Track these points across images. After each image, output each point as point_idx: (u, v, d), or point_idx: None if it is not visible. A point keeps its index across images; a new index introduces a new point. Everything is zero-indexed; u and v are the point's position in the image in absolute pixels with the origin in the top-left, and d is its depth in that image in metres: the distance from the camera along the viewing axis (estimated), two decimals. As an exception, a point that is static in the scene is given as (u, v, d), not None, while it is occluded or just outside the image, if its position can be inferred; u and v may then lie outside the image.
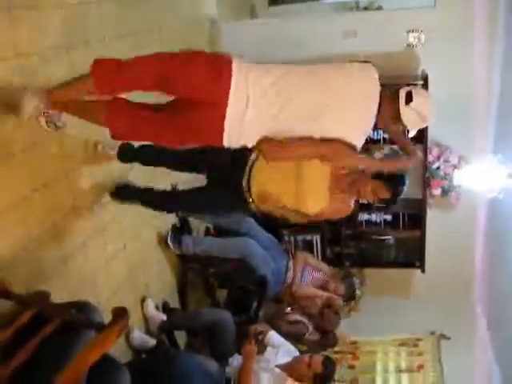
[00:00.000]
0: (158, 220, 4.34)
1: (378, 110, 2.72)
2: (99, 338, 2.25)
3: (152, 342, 3.86)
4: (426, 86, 5.05)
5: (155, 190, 3.73)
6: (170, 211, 4.04)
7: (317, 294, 4.93)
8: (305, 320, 4.87)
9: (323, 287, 5.06)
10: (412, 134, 2.86)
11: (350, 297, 5.18)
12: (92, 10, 3.38)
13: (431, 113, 2.78)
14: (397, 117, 2.73)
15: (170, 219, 4.55)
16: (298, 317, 4.88)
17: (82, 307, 2.60)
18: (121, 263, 3.75)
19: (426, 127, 5.10)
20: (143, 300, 4.06)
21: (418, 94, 2.75)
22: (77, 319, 2.45)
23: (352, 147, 2.70)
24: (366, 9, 5.47)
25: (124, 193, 3.63)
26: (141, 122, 2.78)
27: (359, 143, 2.72)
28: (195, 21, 5.22)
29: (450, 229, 5.57)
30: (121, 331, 2.33)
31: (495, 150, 4.93)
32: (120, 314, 2.39)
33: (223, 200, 3.56)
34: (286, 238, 5.70)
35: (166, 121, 2.74)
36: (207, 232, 5.14)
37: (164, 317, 4.13)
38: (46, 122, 2.85)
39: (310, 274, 5.06)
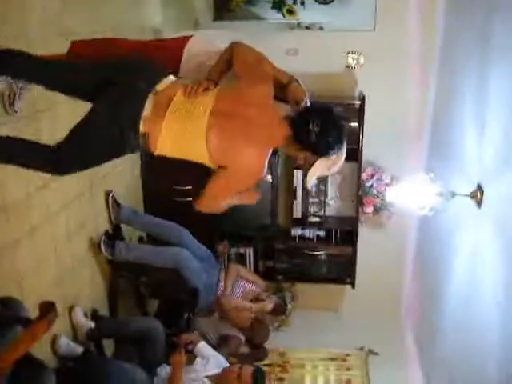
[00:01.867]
0: (89, 226, 4.26)
1: None
2: (26, 333, 2.20)
3: (79, 349, 3.77)
4: (362, 106, 5.20)
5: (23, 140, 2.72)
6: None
7: (245, 306, 4.92)
8: (238, 334, 4.86)
9: (255, 300, 5.06)
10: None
11: (281, 310, 5.21)
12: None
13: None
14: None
15: (102, 224, 4.48)
16: (232, 331, 4.86)
17: (7, 303, 2.53)
18: (50, 267, 3.66)
19: (361, 147, 5.26)
20: (72, 307, 3.96)
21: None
22: (2, 314, 2.38)
23: None
24: (307, 28, 5.57)
25: None
26: None
27: None
28: (140, 30, 5.20)
29: (381, 246, 5.70)
30: (49, 326, 2.28)
31: (427, 168, 5.10)
32: (47, 308, 2.34)
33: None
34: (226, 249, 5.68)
35: None
36: (140, 241, 5.09)
37: (92, 324, 4.04)
38: None
39: (241, 287, 5.06)
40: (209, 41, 3.03)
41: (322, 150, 2.59)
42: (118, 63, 2.62)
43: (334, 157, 2.67)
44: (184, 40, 3.01)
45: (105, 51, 2.95)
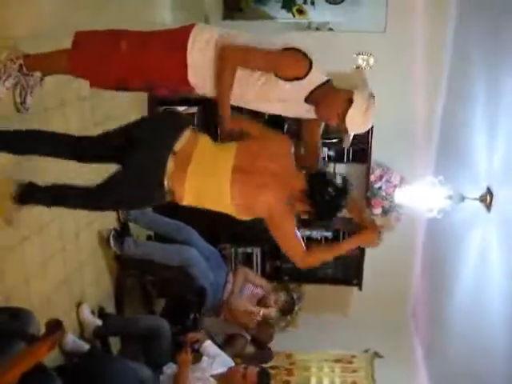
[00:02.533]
0: (98, 223, 4.27)
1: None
2: (27, 351, 2.17)
3: (85, 346, 3.77)
4: (372, 107, 5.17)
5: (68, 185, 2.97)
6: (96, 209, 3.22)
7: (253, 310, 4.92)
8: (244, 334, 4.86)
9: (261, 303, 5.05)
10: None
11: (289, 310, 5.20)
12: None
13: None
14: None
15: (110, 223, 4.49)
16: (237, 331, 4.86)
17: (18, 315, 2.50)
18: (58, 265, 3.66)
19: (370, 148, 5.24)
20: (79, 304, 3.97)
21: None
22: (8, 327, 2.35)
23: None
24: (317, 29, 5.57)
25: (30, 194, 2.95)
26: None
27: None
28: (149, 25, 5.20)
29: (389, 248, 5.63)
30: (53, 345, 2.25)
31: (436, 171, 5.08)
32: (53, 327, 2.32)
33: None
34: (227, 251, 5.68)
35: None
36: (149, 239, 5.10)
37: (99, 322, 4.05)
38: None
39: (248, 290, 5.05)
40: (209, 31, 2.96)
41: (325, 214, 2.85)
42: (137, 128, 2.83)
43: (365, 103, 2.79)
44: (184, 34, 2.92)
45: (107, 50, 2.93)
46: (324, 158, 5.38)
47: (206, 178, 2.68)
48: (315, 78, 2.85)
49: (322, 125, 3.10)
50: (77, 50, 2.93)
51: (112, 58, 2.90)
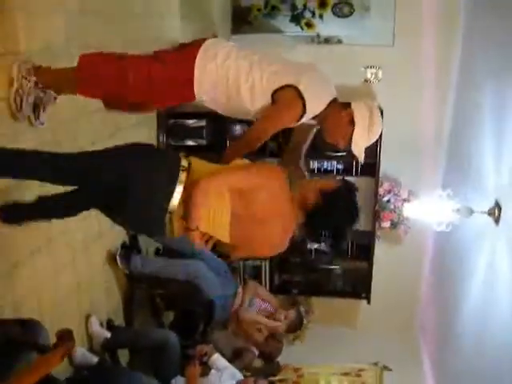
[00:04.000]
0: (107, 236, 4.29)
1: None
2: (40, 361, 2.19)
3: (94, 359, 3.78)
4: (380, 121, 5.19)
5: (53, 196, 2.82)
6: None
7: (261, 321, 4.92)
8: (252, 348, 4.86)
9: (270, 318, 5.04)
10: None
11: (298, 326, 5.19)
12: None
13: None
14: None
15: (120, 236, 4.51)
16: (245, 345, 4.86)
17: (29, 326, 2.52)
18: (68, 277, 3.69)
19: (379, 161, 5.24)
20: (88, 316, 3.99)
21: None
22: (20, 338, 2.37)
23: None
24: (326, 41, 5.59)
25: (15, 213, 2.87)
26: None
27: None
28: (158, 42, 5.24)
29: (397, 261, 5.67)
30: (65, 355, 2.28)
31: (445, 184, 5.08)
32: (64, 336, 2.33)
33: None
34: (236, 264, 5.68)
35: None
36: (157, 253, 5.11)
37: (108, 334, 4.06)
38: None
39: (257, 304, 5.05)
40: (213, 55, 2.92)
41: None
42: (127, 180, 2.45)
43: (366, 120, 2.81)
44: (189, 62, 2.90)
45: (115, 86, 2.94)
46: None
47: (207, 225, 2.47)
48: (314, 109, 2.86)
49: (314, 131, 3.11)
50: (84, 82, 2.94)
51: (121, 92, 2.93)
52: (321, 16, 5.61)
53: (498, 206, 3.88)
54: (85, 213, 3.76)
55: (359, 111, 2.85)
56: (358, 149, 2.89)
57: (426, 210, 4.55)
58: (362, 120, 2.83)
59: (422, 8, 5.27)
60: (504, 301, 3.73)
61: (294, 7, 5.59)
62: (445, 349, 5.12)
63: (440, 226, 4.29)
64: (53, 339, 2.49)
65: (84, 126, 3.75)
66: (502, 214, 3.85)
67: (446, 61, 5.27)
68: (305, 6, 5.59)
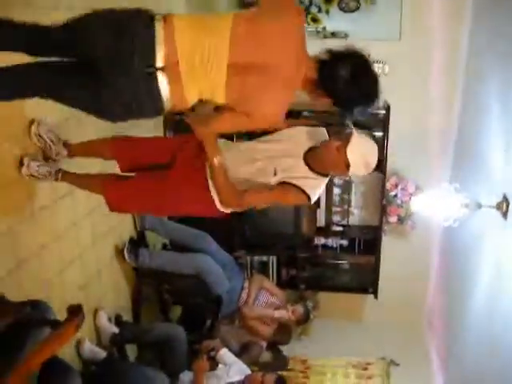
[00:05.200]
0: (115, 231, 4.31)
1: None
2: (56, 334, 2.24)
3: (102, 354, 3.80)
4: (387, 116, 5.18)
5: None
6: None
7: (267, 314, 4.92)
8: (260, 341, 4.87)
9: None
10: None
11: (304, 321, 5.20)
12: None
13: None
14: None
15: (127, 231, 4.53)
16: (253, 339, 4.87)
17: (36, 306, 2.57)
18: (76, 273, 3.70)
19: (386, 156, 5.24)
20: (96, 311, 4.00)
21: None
22: (31, 316, 2.42)
23: None
24: (332, 34, 5.57)
25: None
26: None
27: None
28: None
29: (404, 256, 5.66)
30: (77, 328, 2.33)
31: (452, 179, 5.07)
32: (75, 311, 2.38)
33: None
34: (243, 259, 5.69)
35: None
36: (164, 248, 5.12)
37: (116, 329, 4.08)
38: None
39: (264, 298, 5.05)
40: None
41: (345, 104, 2.43)
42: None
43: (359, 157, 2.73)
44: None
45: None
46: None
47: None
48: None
49: None
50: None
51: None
52: (327, 11, 5.60)
53: (506, 199, 3.87)
54: (92, 208, 3.83)
55: (350, 149, 2.73)
56: (358, 173, 2.89)
57: (434, 204, 4.54)
58: (354, 157, 2.74)
59: (429, 1, 5.25)
60: (512, 295, 3.73)
61: (300, 2, 5.57)
62: (452, 343, 5.12)
63: (447, 220, 4.28)
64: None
65: (94, 122, 3.74)
66: (510, 208, 3.84)
67: (454, 54, 5.25)
68: (311, 1, 5.58)
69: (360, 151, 2.75)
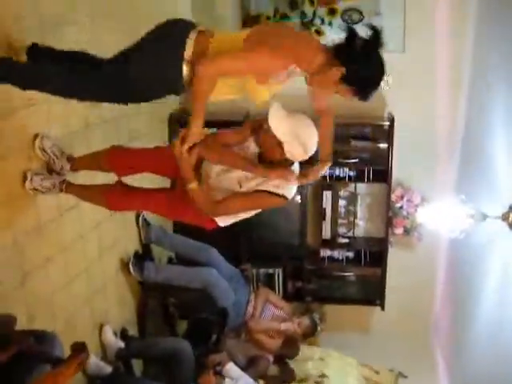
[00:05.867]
0: (120, 245, 4.31)
1: None
2: (55, 373, 2.20)
3: (108, 369, 3.77)
4: (392, 127, 5.18)
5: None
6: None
7: (273, 327, 4.90)
8: (267, 355, 4.83)
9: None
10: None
11: (311, 333, 5.16)
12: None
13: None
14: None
15: (133, 244, 4.52)
16: (260, 352, 4.83)
17: (43, 337, 2.53)
18: (81, 286, 3.70)
19: (391, 167, 5.23)
20: (101, 326, 3.99)
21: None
22: (34, 350, 2.37)
23: None
24: (336, 45, 5.58)
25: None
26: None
27: None
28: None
29: (411, 267, 5.64)
30: (78, 368, 2.28)
31: (458, 190, 5.05)
32: (78, 349, 2.34)
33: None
34: (249, 272, 5.67)
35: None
36: (170, 261, 5.12)
37: (122, 344, 4.06)
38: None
39: (270, 311, 5.04)
40: None
41: (362, 77, 2.50)
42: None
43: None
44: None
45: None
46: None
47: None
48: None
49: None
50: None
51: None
52: (330, 23, 5.59)
53: (511, 210, 3.85)
54: (98, 221, 3.84)
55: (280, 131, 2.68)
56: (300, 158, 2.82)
57: (440, 215, 4.52)
58: (286, 135, 2.69)
59: (432, 13, 5.25)
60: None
61: (303, 15, 5.58)
62: (460, 355, 5.08)
63: (453, 231, 4.26)
64: (67, 352, 2.51)
65: (97, 135, 3.77)
66: (516, 219, 3.82)
67: (458, 65, 5.24)
68: (314, 14, 5.58)
69: (285, 124, 2.67)
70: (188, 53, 2.53)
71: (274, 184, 2.80)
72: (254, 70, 2.51)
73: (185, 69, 2.54)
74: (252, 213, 2.99)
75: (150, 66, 2.58)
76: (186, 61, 2.53)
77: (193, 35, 2.56)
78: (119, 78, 2.62)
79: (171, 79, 2.60)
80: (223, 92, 2.64)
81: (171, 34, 2.60)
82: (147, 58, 2.60)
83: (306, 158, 2.76)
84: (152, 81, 2.60)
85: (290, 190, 2.87)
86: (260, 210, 2.99)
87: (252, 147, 2.90)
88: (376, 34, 2.49)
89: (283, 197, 2.83)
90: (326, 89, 2.60)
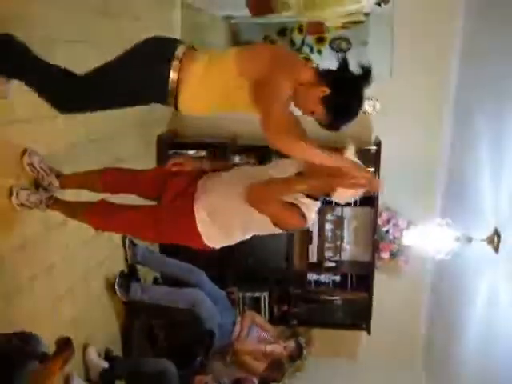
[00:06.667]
0: (106, 265, 4.29)
1: None
2: (43, 368, 2.21)
3: (92, 389, 3.75)
4: (378, 152, 5.24)
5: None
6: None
7: (260, 348, 4.88)
8: (252, 377, 4.80)
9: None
10: None
11: (297, 357, 5.14)
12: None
13: None
14: None
15: (119, 264, 4.51)
16: (245, 374, 4.80)
17: (26, 338, 2.53)
18: (66, 306, 3.67)
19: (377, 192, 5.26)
20: (85, 346, 3.95)
21: None
22: (19, 349, 2.38)
23: None
24: (325, 73, 5.66)
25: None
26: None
27: None
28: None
29: (397, 291, 5.65)
30: (65, 362, 2.28)
31: (443, 213, 5.10)
32: (64, 344, 2.35)
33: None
34: (235, 295, 5.65)
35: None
36: (155, 282, 5.10)
37: (106, 364, 4.02)
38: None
39: (256, 333, 5.02)
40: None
41: (341, 105, 2.62)
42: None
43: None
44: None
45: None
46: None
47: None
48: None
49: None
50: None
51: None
52: (319, 51, 5.67)
53: (497, 233, 3.88)
54: (84, 241, 3.83)
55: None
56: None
57: (426, 238, 4.55)
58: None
59: (420, 41, 5.35)
60: (505, 328, 3.72)
61: (292, 43, 5.66)
62: (448, 378, 5.06)
63: (439, 254, 4.28)
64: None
65: (82, 156, 3.76)
66: (501, 242, 3.85)
67: (444, 91, 5.34)
68: (303, 42, 5.67)
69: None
70: (178, 54, 2.60)
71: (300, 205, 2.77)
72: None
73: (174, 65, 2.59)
74: (257, 231, 2.94)
75: (137, 67, 2.64)
76: (175, 58, 2.59)
77: (182, 48, 2.65)
78: (100, 78, 2.69)
79: (157, 77, 2.62)
80: (213, 107, 2.70)
81: (160, 39, 2.71)
82: (132, 59, 2.67)
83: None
84: (136, 79, 2.64)
85: (311, 215, 2.82)
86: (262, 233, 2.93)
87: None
88: (366, 72, 2.62)
89: (304, 217, 2.77)
90: (305, 103, 2.66)
